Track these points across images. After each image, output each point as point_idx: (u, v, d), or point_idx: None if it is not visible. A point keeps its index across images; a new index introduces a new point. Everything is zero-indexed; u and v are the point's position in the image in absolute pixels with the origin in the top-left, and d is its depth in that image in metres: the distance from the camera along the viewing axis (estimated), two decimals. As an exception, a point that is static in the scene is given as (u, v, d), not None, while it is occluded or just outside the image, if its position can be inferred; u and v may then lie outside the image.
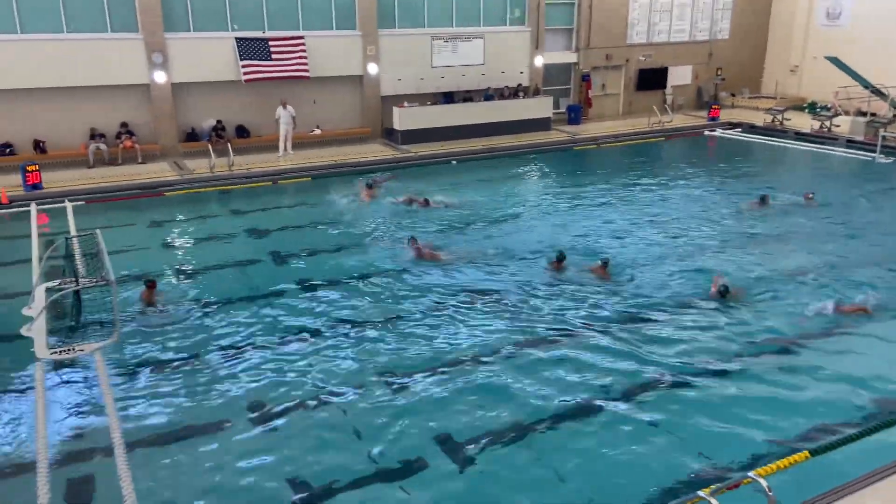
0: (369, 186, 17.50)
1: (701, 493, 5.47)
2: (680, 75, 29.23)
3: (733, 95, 30.06)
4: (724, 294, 10.67)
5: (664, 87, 28.92)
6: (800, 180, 18.72)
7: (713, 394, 8.34)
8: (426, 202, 16.24)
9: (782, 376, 8.74)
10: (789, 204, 16.15)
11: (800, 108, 27.71)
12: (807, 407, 8.05)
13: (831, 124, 23.95)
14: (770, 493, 5.44)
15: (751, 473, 5.70)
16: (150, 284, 11.30)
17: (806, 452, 6.84)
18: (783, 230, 14.46)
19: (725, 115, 27.19)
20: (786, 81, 30.02)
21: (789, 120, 25.21)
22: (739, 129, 25.84)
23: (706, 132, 25.69)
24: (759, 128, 25.46)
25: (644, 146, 24.04)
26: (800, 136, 24.03)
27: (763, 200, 15.96)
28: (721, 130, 25.83)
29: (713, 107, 26.98)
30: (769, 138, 24.34)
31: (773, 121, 25.40)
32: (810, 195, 16.23)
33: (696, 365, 8.98)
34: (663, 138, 24.84)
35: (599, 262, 12.16)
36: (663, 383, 8.55)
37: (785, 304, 10.80)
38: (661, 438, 7.48)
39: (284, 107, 20.91)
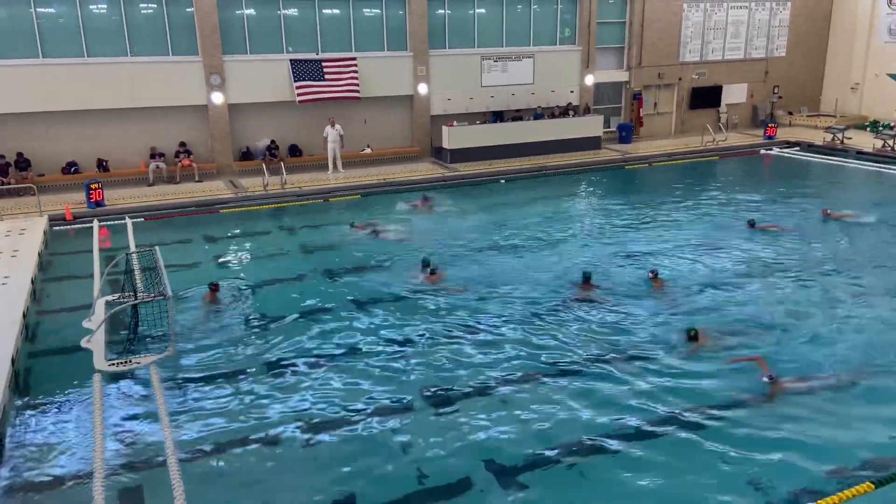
0: (425, 199, 18.34)
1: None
2: (735, 93, 28.69)
3: (791, 114, 29.33)
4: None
5: (718, 105, 28.43)
6: (860, 201, 18.10)
7: (769, 421, 8.04)
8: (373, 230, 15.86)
9: (845, 403, 8.40)
10: (852, 224, 15.68)
11: (861, 127, 26.87)
12: (871, 436, 7.70)
13: (895, 143, 23.11)
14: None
15: (810, 505, 5.48)
16: (214, 287, 11.71)
17: (869, 484, 6.55)
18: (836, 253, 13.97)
19: (783, 134, 26.53)
20: (846, 99, 29.17)
21: (850, 139, 24.44)
22: (797, 148, 25.16)
23: (762, 151, 25.10)
24: (817, 146, 24.75)
25: (697, 165, 23.59)
26: (861, 155, 23.27)
27: (751, 224, 15.54)
28: (778, 149, 25.20)
29: (769, 125, 26.36)
30: (829, 157, 23.62)
31: (832, 139, 24.66)
32: (828, 210, 16.09)
33: (749, 391, 8.68)
34: (717, 157, 24.36)
35: (649, 275, 12.24)
36: (715, 409, 8.28)
37: (842, 333, 10.41)
38: (715, 467, 7.23)
39: (333, 125, 21.30)
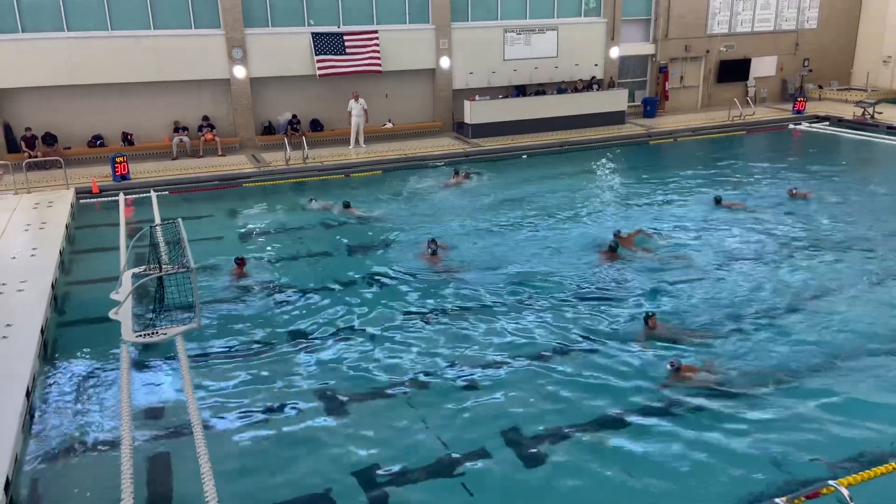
0: (456, 173, 18.36)
1: (778, 500, 5.26)
2: (763, 67, 28.09)
3: (821, 87, 28.68)
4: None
5: (746, 78, 27.87)
6: (890, 177, 17.75)
7: (794, 398, 7.98)
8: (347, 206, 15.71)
9: (871, 381, 8.32)
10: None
11: (893, 101, 26.18)
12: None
13: (928, 118, 22.57)
14: (851, 502, 5.20)
15: (832, 482, 5.45)
16: (240, 262, 11.88)
17: (893, 464, 6.50)
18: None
19: (812, 108, 25.97)
20: (878, 73, 28.42)
21: (881, 113, 23.87)
22: (827, 123, 24.65)
23: (790, 126, 24.63)
24: (847, 121, 24.21)
25: (723, 140, 23.22)
26: (892, 129, 22.72)
27: (717, 202, 15.37)
28: (807, 124, 24.70)
29: (798, 99, 25.81)
30: (859, 132, 23.11)
31: (863, 114, 24.10)
32: (793, 190, 15.89)
33: (773, 368, 8.63)
34: (744, 132, 23.96)
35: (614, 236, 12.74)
36: (737, 386, 8.24)
37: (865, 311, 10.28)
38: (737, 443, 7.20)
39: (356, 100, 21.23)
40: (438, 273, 12.03)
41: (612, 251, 12.30)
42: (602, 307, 10.50)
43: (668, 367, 8.32)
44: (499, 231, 14.30)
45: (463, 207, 16.01)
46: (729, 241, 13.31)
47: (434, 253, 12.53)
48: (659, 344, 9.22)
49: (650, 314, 9.53)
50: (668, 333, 9.44)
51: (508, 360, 9.02)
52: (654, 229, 13.66)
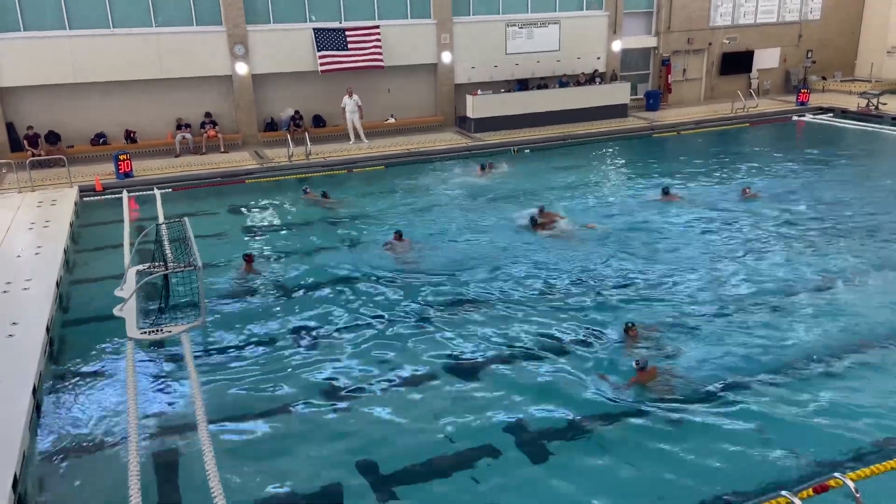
0: (482, 168, 18.57)
1: (785, 492, 5.26)
2: (767, 58, 27.96)
3: (824, 79, 28.55)
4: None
5: (749, 71, 27.76)
6: (893, 168, 17.71)
7: (804, 392, 7.96)
8: (324, 195, 16.31)
9: (880, 373, 8.31)
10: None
11: (897, 92, 26.11)
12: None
13: (933, 108, 22.46)
14: (857, 494, 5.19)
15: (839, 475, 5.44)
16: (248, 258, 11.92)
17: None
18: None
19: (816, 100, 25.87)
20: (882, 64, 28.28)
21: (885, 104, 23.77)
22: (830, 115, 24.55)
23: (794, 117, 24.54)
24: (851, 113, 24.11)
25: (727, 133, 23.15)
26: (897, 121, 22.67)
27: (666, 192, 15.41)
28: (810, 115, 24.61)
29: (802, 91, 25.71)
30: (863, 124, 23.02)
31: (867, 105, 24.01)
32: (748, 189, 15.58)
33: (783, 361, 8.61)
34: (747, 124, 23.87)
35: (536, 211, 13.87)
36: (746, 380, 8.22)
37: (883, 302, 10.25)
38: (742, 437, 7.20)
39: (350, 96, 21.19)
40: (439, 268, 12.03)
41: (535, 224, 13.43)
42: (588, 306, 10.48)
43: (634, 365, 8.18)
44: (496, 225, 14.27)
45: (466, 200, 16.00)
46: (727, 236, 13.29)
47: (400, 243, 12.68)
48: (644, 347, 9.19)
49: (631, 324, 9.22)
50: (650, 337, 9.28)
51: (506, 355, 9.01)
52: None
